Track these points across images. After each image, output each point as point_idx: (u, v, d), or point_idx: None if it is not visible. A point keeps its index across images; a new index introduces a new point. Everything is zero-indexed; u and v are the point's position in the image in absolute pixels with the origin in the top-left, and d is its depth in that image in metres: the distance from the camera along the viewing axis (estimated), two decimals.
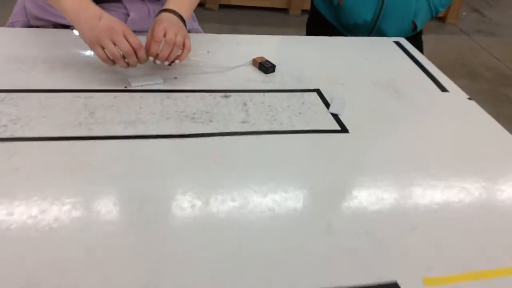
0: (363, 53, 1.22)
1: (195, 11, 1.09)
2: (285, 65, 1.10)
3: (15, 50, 0.99)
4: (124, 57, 0.88)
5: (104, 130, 0.82)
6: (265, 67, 1.06)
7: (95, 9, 0.88)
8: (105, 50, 0.87)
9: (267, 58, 1.09)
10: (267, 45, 1.20)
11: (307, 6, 3.36)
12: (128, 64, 0.90)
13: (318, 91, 1.03)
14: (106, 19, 0.87)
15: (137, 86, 0.94)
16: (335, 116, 0.95)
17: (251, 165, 0.79)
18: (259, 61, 1.07)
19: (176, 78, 0.99)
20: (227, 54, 1.10)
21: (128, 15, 1.06)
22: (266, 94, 0.99)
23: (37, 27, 1.08)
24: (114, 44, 0.86)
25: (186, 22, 0.98)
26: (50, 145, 0.76)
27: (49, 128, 0.80)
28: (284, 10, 3.39)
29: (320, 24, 1.45)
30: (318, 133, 0.90)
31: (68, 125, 0.81)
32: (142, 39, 0.92)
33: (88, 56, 1.00)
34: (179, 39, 0.92)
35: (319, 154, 0.85)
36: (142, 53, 0.89)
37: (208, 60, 1.05)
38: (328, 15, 1.41)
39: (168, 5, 0.98)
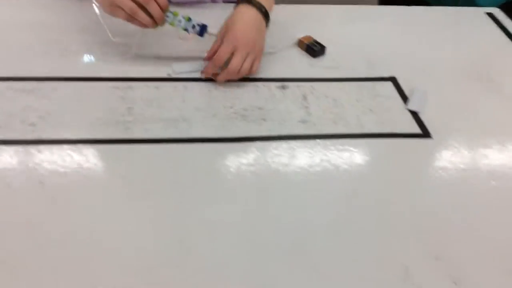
0: (449, 29, 1.03)
1: None
2: (350, 45, 0.93)
3: (46, 28, 0.89)
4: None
5: (142, 131, 0.71)
6: (313, 49, 0.90)
7: None
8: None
9: (320, 35, 0.92)
10: (322, 18, 1.02)
11: None
12: (153, 21, 0.75)
13: (393, 80, 0.86)
14: None
15: (181, 73, 0.82)
16: (414, 114, 0.79)
17: (309, 179, 0.66)
18: (306, 42, 0.91)
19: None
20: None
21: None
22: (331, 84, 0.84)
23: None
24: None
25: (270, 12, 0.83)
26: (80, 150, 0.67)
27: (82, 128, 0.70)
28: None
29: None
30: (393, 137, 0.75)
31: (103, 123, 0.71)
32: (193, 11, 0.79)
33: (129, 37, 0.88)
34: (246, 66, 0.79)
35: (392, 167, 0.70)
36: None
37: None
38: None
39: None
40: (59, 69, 0.79)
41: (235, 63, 0.78)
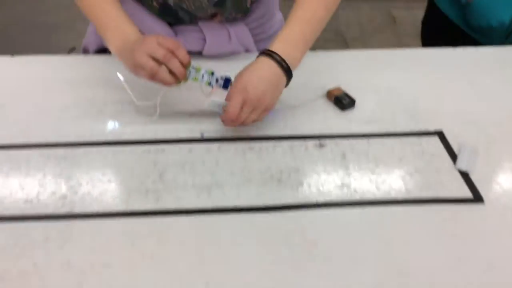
0: (502, 72, 0.96)
1: None
2: (391, 93, 0.88)
3: (78, 87, 0.88)
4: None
5: (174, 200, 0.68)
6: (342, 102, 0.85)
7: (134, 36, 0.76)
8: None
9: (356, 84, 0.88)
10: (357, 63, 0.97)
11: None
12: (175, 78, 0.73)
13: (440, 135, 0.81)
14: (140, 39, 0.74)
15: (213, 131, 0.80)
16: (464, 175, 0.73)
17: (350, 252, 0.62)
18: (335, 94, 0.86)
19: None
20: (296, 77, 0.87)
21: (204, 40, 0.90)
22: (372, 140, 0.79)
23: None
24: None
25: (294, 68, 0.77)
26: (110, 225, 0.64)
27: (113, 200, 0.68)
28: None
29: (440, 24, 1.18)
30: (441, 203, 0.69)
31: (133, 192, 0.69)
32: (222, 65, 0.76)
33: (162, 97, 0.87)
34: (253, 117, 0.74)
35: (442, 240, 0.64)
36: (182, 52, 0.72)
37: None
38: (453, 15, 1.14)
39: (277, 42, 0.76)
40: (92, 133, 0.78)
41: (242, 116, 0.73)
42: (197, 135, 0.79)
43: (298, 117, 0.83)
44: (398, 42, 2.53)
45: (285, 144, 0.78)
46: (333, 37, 2.56)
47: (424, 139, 0.80)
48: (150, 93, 0.81)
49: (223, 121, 0.75)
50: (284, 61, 0.75)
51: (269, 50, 0.75)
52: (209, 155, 0.76)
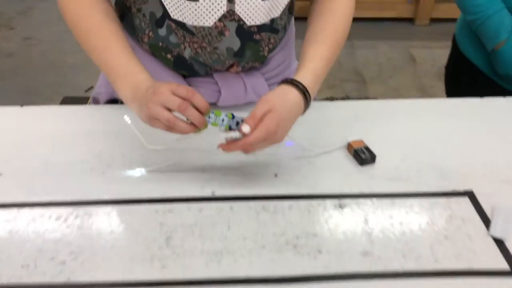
0: None
1: None
2: (416, 148, 0.83)
3: (91, 140, 0.84)
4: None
5: (181, 268, 0.63)
6: (361, 157, 0.79)
7: (145, 83, 0.71)
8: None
9: (378, 136, 0.83)
10: (381, 114, 0.92)
11: (437, 14, 3.02)
12: (194, 126, 0.68)
13: (470, 195, 0.74)
14: (152, 87, 0.68)
15: (225, 188, 0.75)
16: (499, 242, 0.67)
17: None
18: (355, 147, 0.81)
19: (276, 175, 0.78)
20: (313, 127, 0.84)
21: (219, 91, 0.87)
22: (397, 201, 0.74)
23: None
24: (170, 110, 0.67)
25: (313, 96, 0.74)
26: None
27: (115, 267, 0.63)
28: (409, 20, 3.03)
29: (465, 71, 1.13)
30: (475, 275, 0.62)
31: (138, 259, 0.64)
32: (238, 111, 0.71)
33: (166, 143, 0.83)
34: (262, 146, 0.69)
35: None
36: (198, 99, 0.67)
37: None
38: (479, 62, 1.09)
39: (302, 70, 0.74)
40: (98, 190, 0.74)
41: (252, 148, 0.69)
42: (208, 192, 0.75)
43: (316, 171, 0.78)
44: (418, 82, 2.48)
45: (302, 204, 0.73)
46: (351, 76, 2.53)
47: (453, 200, 0.74)
48: (161, 137, 0.76)
49: (228, 145, 0.70)
50: (307, 91, 0.71)
51: (291, 81, 0.72)
52: (220, 216, 0.71)
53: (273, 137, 0.69)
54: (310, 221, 0.70)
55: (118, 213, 0.71)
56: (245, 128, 0.68)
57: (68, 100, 2.36)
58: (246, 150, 0.69)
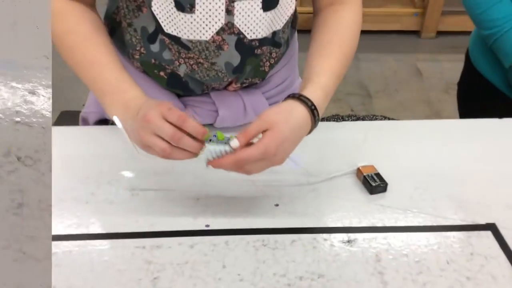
0: None
1: None
2: (431, 176, 0.75)
3: (77, 164, 0.77)
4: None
5: None
6: (370, 184, 0.72)
7: (136, 101, 0.64)
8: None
9: (392, 161, 0.76)
10: (395, 135, 0.85)
11: (444, 27, 2.96)
12: (190, 152, 0.61)
13: (493, 228, 0.67)
14: (142, 110, 0.61)
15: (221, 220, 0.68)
16: None
17: None
18: (364, 173, 0.73)
19: (277, 205, 0.71)
20: (318, 150, 0.78)
21: (217, 112, 0.80)
22: (411, 236, 0.66)
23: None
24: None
25: (321, 115, 0.67)
26: None
27: None
28: (415, 33, 2.97)
29: (480, 88, 1.06)
30: None
31: None
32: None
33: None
34: (259, 167, 0.61)
35: None
36: (191, 125, 0.59)
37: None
38: (495, 79, 1.02)
39: (310, 85, 0.66)
40: (78, 223, 0.67)
41: (251, 168, 0.61)
42: (201, 225, 0.67)
43: (321, 200, 0.71)
44: (425, 96, 2.41)
45: (306, 238, 0.65)
46: (356, 90, 2.46)
47: (474, 235, 0.66)
48: None
49: (217, 160, 0.61)
50: (316, 109, 0.64)
51: (302, 96, 0.64)
52: (215, 252, 0.63)
53: (272, 159, 0.61)
54: (315, 259, 0.63)
55: (100, 251, 0.63)
56: (233, 143, 0.60)
57: (66, 115, 2.30)
58: (239, 168, 0.61)
